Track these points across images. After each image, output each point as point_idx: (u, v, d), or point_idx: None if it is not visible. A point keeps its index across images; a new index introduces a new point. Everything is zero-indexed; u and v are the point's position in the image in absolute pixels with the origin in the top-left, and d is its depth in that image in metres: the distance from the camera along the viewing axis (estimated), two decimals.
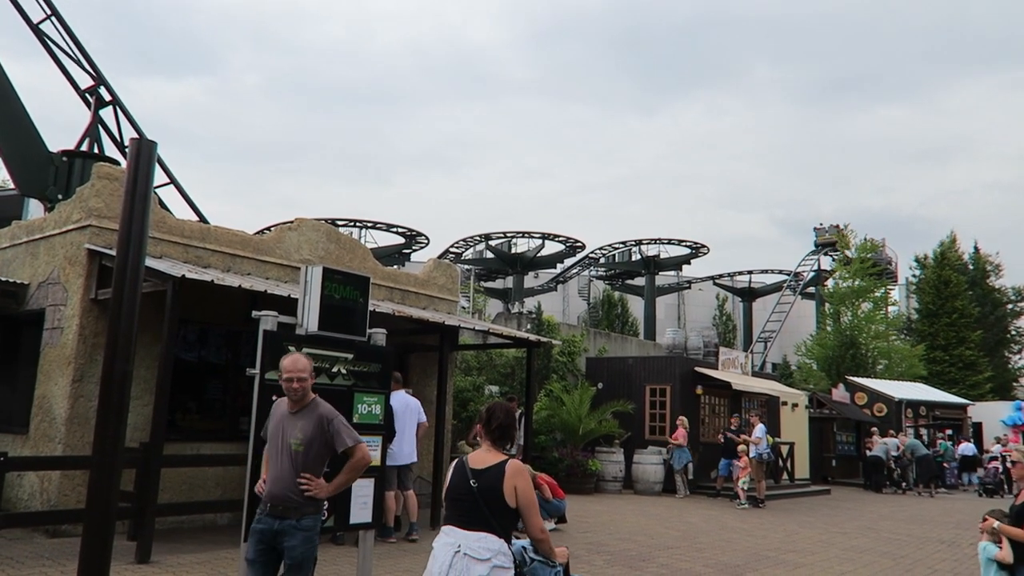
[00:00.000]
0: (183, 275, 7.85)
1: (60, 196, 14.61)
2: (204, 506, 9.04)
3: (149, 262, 7.83)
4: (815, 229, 46.04)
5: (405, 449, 9.31)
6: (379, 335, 5.42)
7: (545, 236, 44.18)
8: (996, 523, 5.56)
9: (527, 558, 3.80)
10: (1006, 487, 21.35)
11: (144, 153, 5.21)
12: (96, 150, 17.15)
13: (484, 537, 3.52)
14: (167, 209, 13.49)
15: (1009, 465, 5.81)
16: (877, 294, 34.63)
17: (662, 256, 46.09)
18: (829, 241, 43.96)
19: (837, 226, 43.58)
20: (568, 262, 47.34)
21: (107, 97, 17.48)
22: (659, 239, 45.90)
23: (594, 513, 13.10)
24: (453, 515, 3.65)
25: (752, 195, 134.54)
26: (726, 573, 8.15)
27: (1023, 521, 5.39)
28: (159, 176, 17.77)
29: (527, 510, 3.61)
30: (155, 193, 10.97)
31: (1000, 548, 5.64)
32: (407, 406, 9.43)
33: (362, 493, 5.04)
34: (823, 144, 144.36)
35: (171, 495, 9.07)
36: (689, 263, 48.08)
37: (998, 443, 24.51)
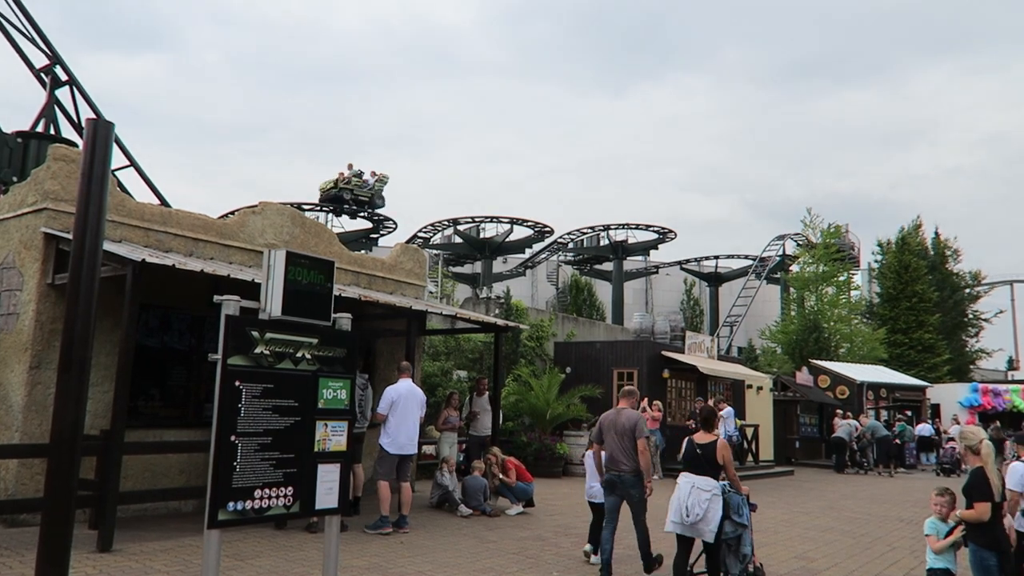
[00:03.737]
0: (143, 259, 7.73)
1: (15, 179, 14.26)
2: (167, 493, 8.94)
3: (108, 246, 7.69)
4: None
5: (406, 438, 9.23)
6: (344, 320, 5.38)
7: (513, 221, 44.16)
8: (957, 513, 5.74)
9: (727, 490, 6.54)
10: (964, 467, 21.96)
11: (101, 134, 5.09)
12: (52, 131, 16.74)
13: (706, 479, 6.43)
14: (127, 192, 13.23)
15: (961, 449, 5.94)
16: (840, 279, 35.25)
17: (630, 241, 46.36)
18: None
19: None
20: (536, 247, 47.39)
21: (63, 76, 17.06)
22: (627, 224, 46.16)
23: (562, 496, 13.21)
24: (688, 467, 6.57)
25: (720, 178, 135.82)
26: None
27: (971, 501, 5.60)
28: (118, 158, 17.41)
29: (727, 465, 6.51)
30: (114, 176, 10.75)
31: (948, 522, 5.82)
32: (412, 394, 9.34)
33: (328, 478, 5.02)
34: (790, 127, 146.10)
35: (134, 483, 8.96)
36: (656, 248, 48.41)
37: (956, 424, 25.17)
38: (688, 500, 6.32)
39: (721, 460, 6.44)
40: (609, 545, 7.35)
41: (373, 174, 37.23)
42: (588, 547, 8.12)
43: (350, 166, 36.93)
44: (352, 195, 35.24)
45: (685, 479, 6.48)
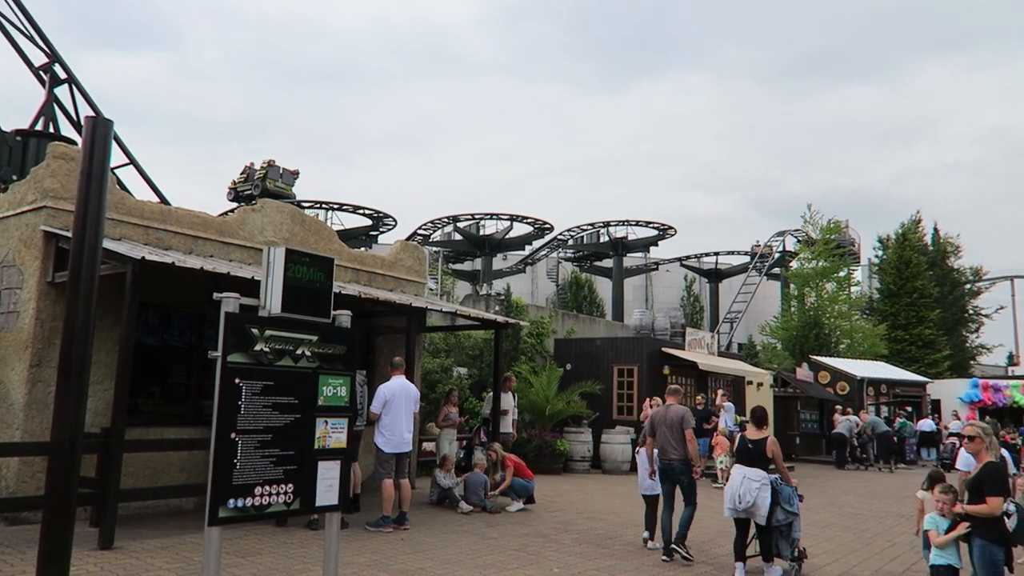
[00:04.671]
0: (143, 257, 7.73)
1: (14, 177, 14.26)
2: (168, 491, 8.95)
3: (108, 244, 7.70)
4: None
5: (405, 435, 9.23)
6: (344, 317, 5.38)
7: (513, 218, 44.16)
8: (962, 507, 5.70)
9: (779, 482, 7.32)
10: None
11: (100, 132, 5.10)
12: (51, 129, 16.74)
13: (756, 471, 7.28)
14: (126, 190, 13.24)
15: (965, 441, 5.94)
16: (840, 275, 35.22)
17: (630, 238, 46.36)
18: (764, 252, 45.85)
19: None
20: (536, 244, 47.41)
21: (62, 75, 17.05)
22: (627, 221, 46.14)
23: (563, 492, 13.23)
24: (741, 460, 7.39)
25: (721, 176, 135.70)
26: (693, 549, 8.28)
27: (980, 495, 5.54)
28: (118, 156, 17.41)
29: (776, 459, 7.34)
30: (113, 174, 10.75)
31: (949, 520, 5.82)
32: (406, 392, 9.33)
33: (328, 475, 5.03)
34: (792, 124, 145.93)
35: (134, 480, 8.97)
36: (657, 244, 48.43)
37: (957, 419, 25.16)
38: (740, 489, 7.20)
39: (771, 454, 7.32)
40: (669, 526, 8.13)
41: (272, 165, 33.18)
42: (645, 534, 8.83)
43: (250, 164, 33.95)
44: (264, 187, 31.82)
45: (738, 470, 7.37)
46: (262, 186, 31.89)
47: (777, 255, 46.41)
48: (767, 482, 7.22)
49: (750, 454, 7.32)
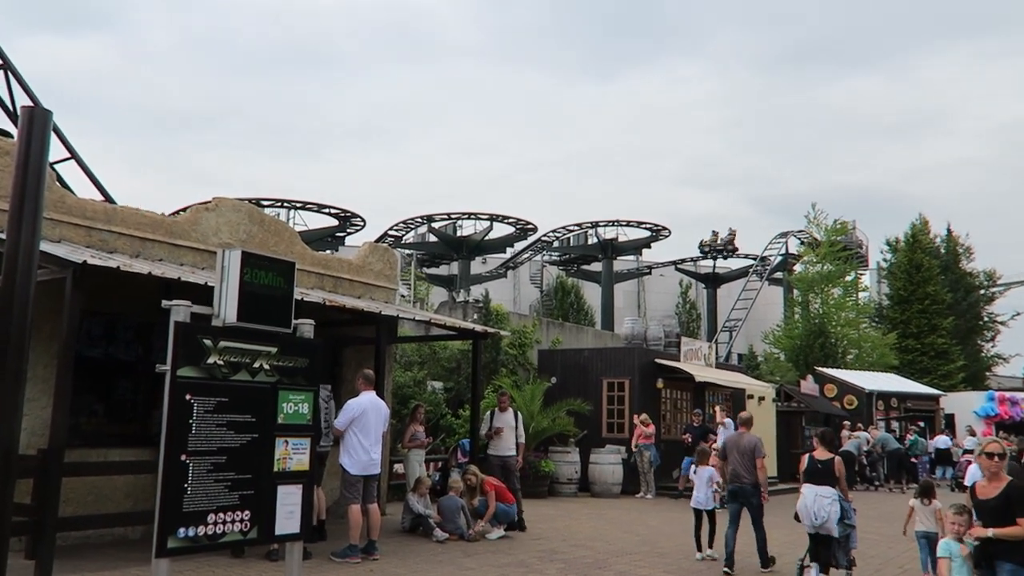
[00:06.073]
0: (85, 261, 7.66)
1: None
2: (112, 519, 8.87)
3: (45, 247, 7.62)
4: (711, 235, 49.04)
5: (373, 456, 9.15)
6: (307, 327, 5.37)
7: (493, 218, 44.25)
8: (991, 531, 5.69)
9: (839, 498, 8.34)
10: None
11: (38, 123, 5.06)
12: None
13: (826, 488, 8.33)
14: (67, 187, 13.11)
15: (994, 460, 5.93)
16: (847, 279, 35.55)
17: (620, 239, 46.59)
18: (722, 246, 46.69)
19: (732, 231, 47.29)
20: (518, 246, 47.53)
21: None
22: (617, 221, 46.37)
23: (548, 518, 13.24)
24: (810, 479, 8.48)
25: (717, 172, 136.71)
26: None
27: (1007, 516, 5.56)
28: (57, 150, 17.27)
29: (840, 478, 8.43)
30: (52, 169, 10.65)
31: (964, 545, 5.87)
32: (377, 409, 9.27)
33: (288, 500, 5.00)
34: (793, 116, 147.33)
35: (75, 507, 8.87)
36: (649, 247, 48.75)
37: (972, 435, 25.41)
38: (814, 507, 8.33)
39: (838, 473, 8.49)
40: (732, 542, 9.38)
41: None
42: (695, 546, 10.24)
43: None
44: None
45: (809, 489, 8.49)
46: None
47: (779, 258, 46.82)
48: (836, 498, 8.38)
49: (820, 473, 8.52)
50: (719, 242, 48.88)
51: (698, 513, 10.39)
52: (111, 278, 8.19)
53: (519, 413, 13.01)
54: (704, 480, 10.37)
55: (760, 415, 21.96)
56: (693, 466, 10.61)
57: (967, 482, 9.64)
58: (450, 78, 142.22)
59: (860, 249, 44.42)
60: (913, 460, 23.96)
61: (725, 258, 50.17)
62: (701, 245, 49.61)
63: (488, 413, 12.83)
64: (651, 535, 11.85)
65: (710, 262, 52.23)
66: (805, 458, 8.84)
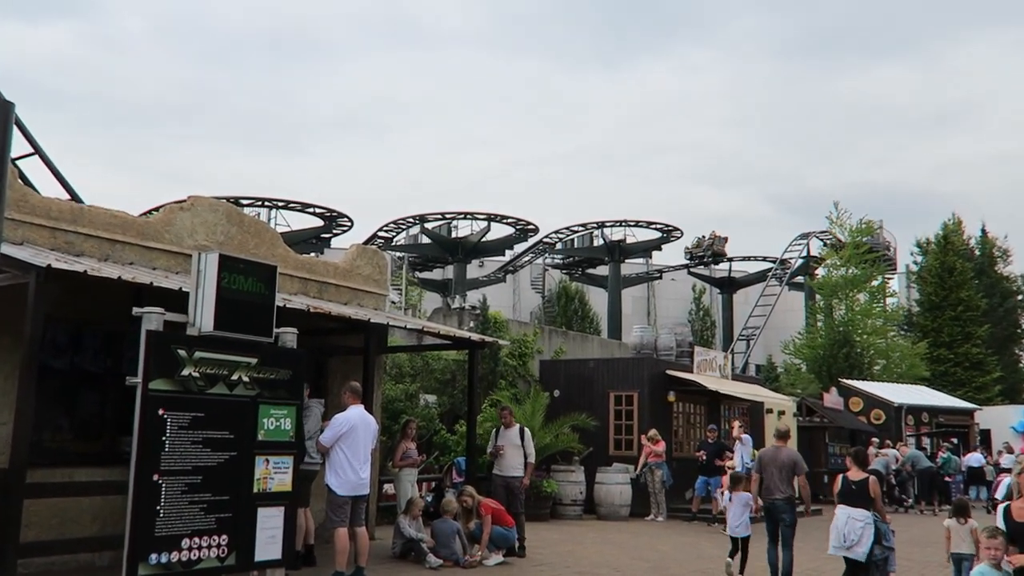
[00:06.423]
0: (49, 264, 7.65)
1: None
2: (78, 544, 8.84)
3: (7, 249, 7.62)
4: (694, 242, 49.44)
5: (362, 476, 9.07)
6: (289, 336, 5.36)
7: (491, 218, 44.28)
8: None
9: (875, 520, 8.74)
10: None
11: None
12: None
13: (860, 510, 8.72)
14: (30, 185, 13.11)
15: (1018, 476, 5.96)
16: (873, 284, 35.56)
17: (628, 241, 46.60)
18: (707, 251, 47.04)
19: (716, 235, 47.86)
20: (518, 248, 47.54)
21: None
22: (625, 221, 46.40)
23: (550, 543, 13.21)
24: (844, 500, 8.86)
25: (735, 168, 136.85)
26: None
27: None
28: (20, 144, 17.27)
29: (876, 499, 8.84)
30: (14, 165, 10.65)
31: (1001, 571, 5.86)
32: (366, 424, 9.20)
33: (269, 524, 4.99)
34: (815, 107, 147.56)
35: (38, 532, 8.83)
36: (660, 249, 48.76)
37: (1010, 453, 25.38)
38: (845, 528, 8.66)
39: (872, 494, 8.83)
40: (776, 559, 9.96)
41: None
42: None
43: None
44: None
45: (842, 510, 8.86)
46: None
47: (800, 261, 46.86)
48: (871, 521, 8.71)
49: (854, 494, 8.85)
50: (700, 248, 48.73)
51: (735, 540, 10.66)
52: (78, 283, 8.17)
53: (526, 429, 12.81)
54: (740, 506, 10.57)
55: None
56: (725, 491, 11.09)
57: (998, 495, 10.10)
58: (444, 65, 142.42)
59: (887, 251, 44.47)
60: (946, 479, 23.90)
61: (707, 265, 50.09)
62: (687, 251, 49.61)
63: (493, 431, 12.75)
64: (662, 561, 11.83)
65: (725, 265, 52.31)
66: (839, 478, 9.16)
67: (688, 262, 50.25)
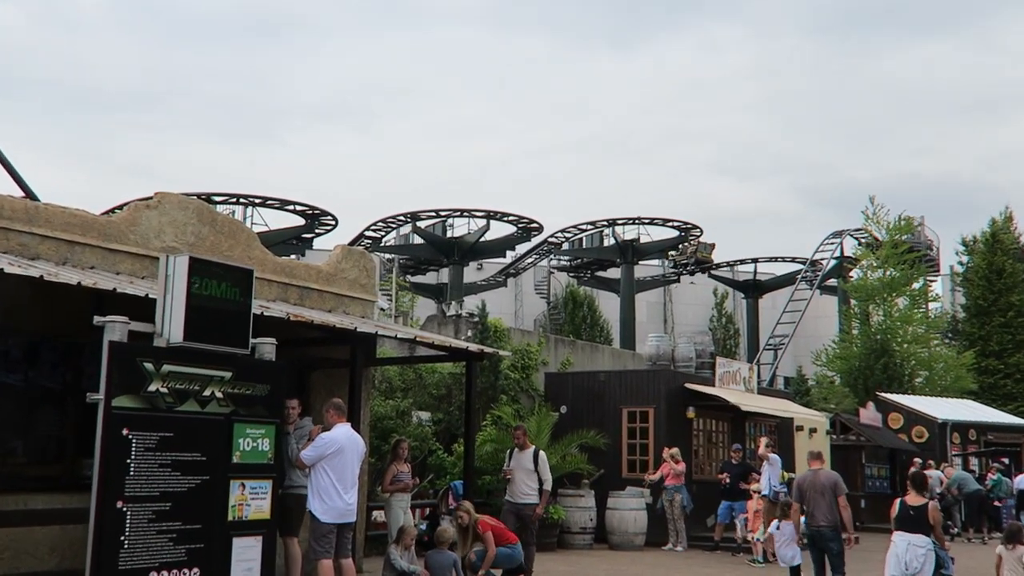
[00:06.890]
0: (1, 269, 7.67)
1: None
2: None
3: None
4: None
5: (349, 501, 9.04)
6: (267, 347, 5.37)
7: (490, 215, 44.29)
8: None
9: (935, 547, 9.19)
10: None
11: None
12: None
13: (920, 536, 9.15)
14: None
15: None
16: (914, 287, 35.54)
17: (642, 240, 46.62)
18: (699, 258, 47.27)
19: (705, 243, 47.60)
20: (520, 249, 47.59)
21: None
22: (638, 219, 46.41)
23: (558, 575, 13.19)
24: (902, 527, 9.32)
25: (760, 158, 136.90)
26: None
27: None
28: None
29: (935, 525, 9.28)
30: None
31: None
32: (354, 445, 9.18)
33: (246, 556, 5.00)
34: (849, 91, 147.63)
35: None
36: (677, 249, 48.72)
37: None
38: (906, 556, 9.07)
39: (932, 520, 9.24)
40: None
41: None
42: None
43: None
44: None
45: (900, 537, 9.28)
46: None
47: (833, 262, 46.86)
48: (931, 548, 9.15)
49: (912, 520, 9.28)
50: (684, 256, 48.35)
51: (793, 570, 11.74)
52: (33, 289, 8.19)
53: (542, 453, 12.65)
54: (788, 536, 11.51)
55: (812, 449, 21.98)
56: (776, 521, 11.91)
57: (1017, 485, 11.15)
58: (440, 47, 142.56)
59: (929, 251, 44.45)
60: (996, 504, 23.85)
61: (692, 273, 50.01)
62: (670, 258, 49.61)
63: (508, 452, 12.68)
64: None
65: (750, 267, 52.29)
66: (896, 503, 9.68)
67: (673, 270, 50.04)
